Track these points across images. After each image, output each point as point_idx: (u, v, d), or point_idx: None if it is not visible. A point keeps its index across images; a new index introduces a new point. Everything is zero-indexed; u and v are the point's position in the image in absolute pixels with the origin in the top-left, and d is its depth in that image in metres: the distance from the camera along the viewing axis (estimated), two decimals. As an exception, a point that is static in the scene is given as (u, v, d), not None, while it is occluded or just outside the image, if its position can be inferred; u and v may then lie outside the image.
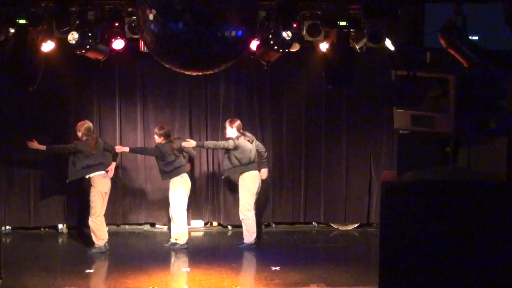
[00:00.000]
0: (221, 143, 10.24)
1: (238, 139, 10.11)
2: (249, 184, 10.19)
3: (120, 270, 9.17)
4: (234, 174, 10.41)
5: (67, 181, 9.99)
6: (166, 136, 10.08)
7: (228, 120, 10.32)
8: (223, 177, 10.63)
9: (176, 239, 10.20)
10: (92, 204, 9.86)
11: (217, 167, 11.18)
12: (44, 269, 9.14)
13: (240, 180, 10.26)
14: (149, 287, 8.59)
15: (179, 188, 10.11)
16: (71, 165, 9.86)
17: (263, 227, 11.23)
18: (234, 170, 10.23)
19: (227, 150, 10.15)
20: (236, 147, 10.07)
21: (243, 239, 10.31)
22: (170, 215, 10.23)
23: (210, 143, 10.42)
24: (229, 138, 10.18)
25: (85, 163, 9.81)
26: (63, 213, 10.99)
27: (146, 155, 10.60)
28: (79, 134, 9.87)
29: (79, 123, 9.95)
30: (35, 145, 9.94)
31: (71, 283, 8.62)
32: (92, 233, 9.97)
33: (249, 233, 10.27)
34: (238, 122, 10.24)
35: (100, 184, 9.87)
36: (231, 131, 10.18)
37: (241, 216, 10.27)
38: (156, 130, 10.17)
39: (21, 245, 10.36)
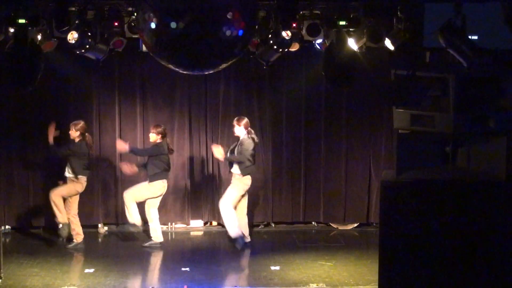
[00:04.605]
0: (243, 157, 9.86)
1: (247, 140, 9.91)
2: (246, 185, 10.00)
3: (120, 270, 9.16)
4: (252, 172, 10.06)
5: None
6: (164, 134, 10.07)
7: (236, 119, 10.09)
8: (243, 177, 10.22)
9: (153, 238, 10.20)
10: (74, 203, 10.07)
11: (217, 167, 11.18)
12: (43, 269, 9.14)
13: (241, 180, 9.99)
14: (149, 287, 8.60)
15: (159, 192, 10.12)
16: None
17: (262, 226, 11.24)
18: (250, 169, 9.96)
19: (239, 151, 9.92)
20: (247, 149, 9.89)
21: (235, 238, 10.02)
22: (149, 217, 10.14)
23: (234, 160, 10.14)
24: (237, 137, 10.01)
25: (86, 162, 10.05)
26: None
27: (146, 155, 10.26)
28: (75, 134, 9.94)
29: (73, 123, 10.00)
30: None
31: (71, 283, 8.62)
32: (72, 231, 10.05)
33: (235, 228, 9.97)
34: (245, 120, 10.03)
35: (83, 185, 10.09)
36: (239, 129, 9.96)
37: (226, 212, 9.90)
38: (152, 128, 10.12)
39: (21, 245, 10.35)
